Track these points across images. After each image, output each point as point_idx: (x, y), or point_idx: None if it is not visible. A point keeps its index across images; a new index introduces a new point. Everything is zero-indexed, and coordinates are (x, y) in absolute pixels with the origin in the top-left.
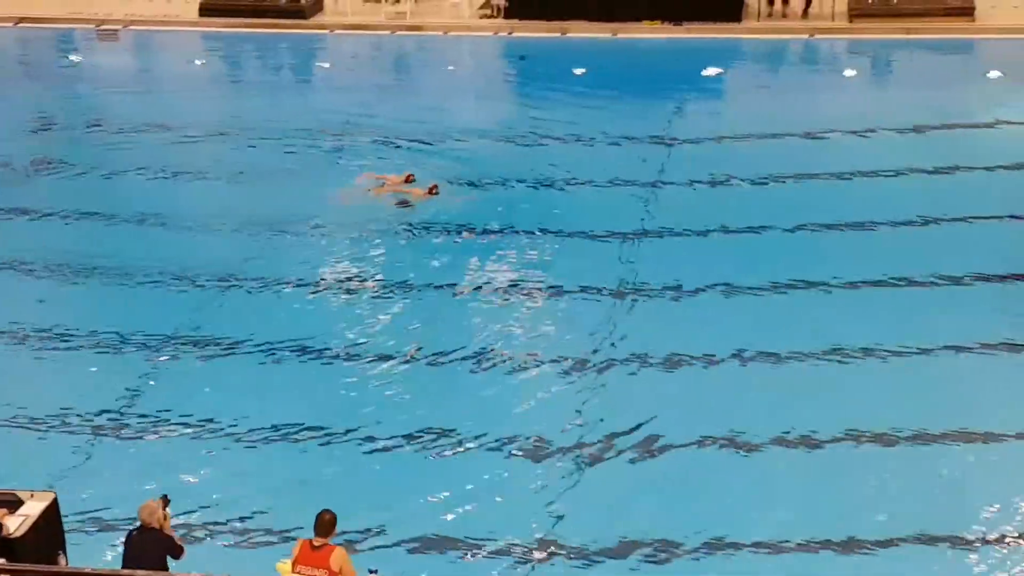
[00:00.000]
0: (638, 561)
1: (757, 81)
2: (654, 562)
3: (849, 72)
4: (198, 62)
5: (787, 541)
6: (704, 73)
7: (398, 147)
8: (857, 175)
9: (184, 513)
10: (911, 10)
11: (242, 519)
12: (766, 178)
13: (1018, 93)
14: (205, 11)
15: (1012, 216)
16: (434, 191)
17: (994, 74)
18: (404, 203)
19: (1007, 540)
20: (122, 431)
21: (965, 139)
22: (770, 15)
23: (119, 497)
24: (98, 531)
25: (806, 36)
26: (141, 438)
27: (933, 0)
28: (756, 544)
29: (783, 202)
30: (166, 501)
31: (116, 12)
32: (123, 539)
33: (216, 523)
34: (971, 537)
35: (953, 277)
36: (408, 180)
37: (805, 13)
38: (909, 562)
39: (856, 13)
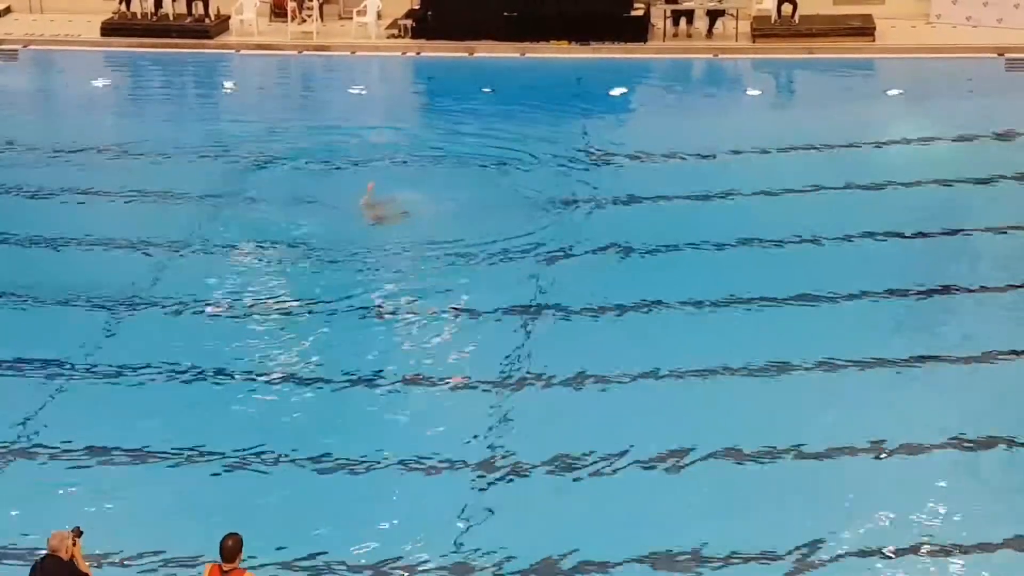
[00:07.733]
0: None
1: (663, 100)
2: None
3: (752, 91)
4: (101, 82)
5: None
6: (611, 93)
7: (306, 167)
8: (760, 193)
9: (87, 542)
10: (813, 30)
11: (144, 546)
12: (673, 196)
13: (916, 111)
14: (107, 31)
15: (913, 233)
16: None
17: (893, 92)
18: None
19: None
20: (18, 456)
21: (865, 156)
22: (675, 35)
23: (14, 523)
24: None
25: (710, 56)
26: (43, 462)
27: (834, 20)
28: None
29: (689, 220)
30: (78, 533)
31: (16, 31)
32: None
33: (118, 551)
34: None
35: (855, 293)
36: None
37: (709, 34)
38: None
39: (759, 33)
